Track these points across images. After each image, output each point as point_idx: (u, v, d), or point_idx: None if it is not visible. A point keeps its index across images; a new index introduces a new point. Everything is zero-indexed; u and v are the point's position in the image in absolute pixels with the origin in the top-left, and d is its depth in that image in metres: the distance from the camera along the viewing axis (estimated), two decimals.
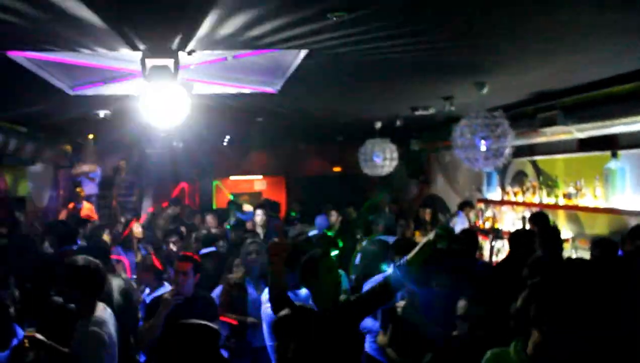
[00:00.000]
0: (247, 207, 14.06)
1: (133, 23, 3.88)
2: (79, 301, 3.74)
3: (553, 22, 4.09)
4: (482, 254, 8.95)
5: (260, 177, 17.69)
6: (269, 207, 12.14)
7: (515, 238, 5.95)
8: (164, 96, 5.05)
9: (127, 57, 5.03)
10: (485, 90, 6.50)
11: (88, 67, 5.37)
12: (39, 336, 3.57)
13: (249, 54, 4.90)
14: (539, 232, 6.52)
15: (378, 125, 10.55)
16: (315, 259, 3.88)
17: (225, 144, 14.22)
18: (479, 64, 5.66)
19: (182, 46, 4.38)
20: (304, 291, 4.57)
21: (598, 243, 5.62)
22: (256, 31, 4.01)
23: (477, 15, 3.93)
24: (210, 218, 8.33)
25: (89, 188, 12.01)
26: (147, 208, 13.64)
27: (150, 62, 4.51)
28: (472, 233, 6.62)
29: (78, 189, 11.13)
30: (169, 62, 4.51)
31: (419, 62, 5.41)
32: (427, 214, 10.87)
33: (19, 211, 9.13)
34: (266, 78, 6.20)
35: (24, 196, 9.64)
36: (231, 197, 14.91)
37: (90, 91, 6.29)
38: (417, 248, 3.56)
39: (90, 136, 11.31)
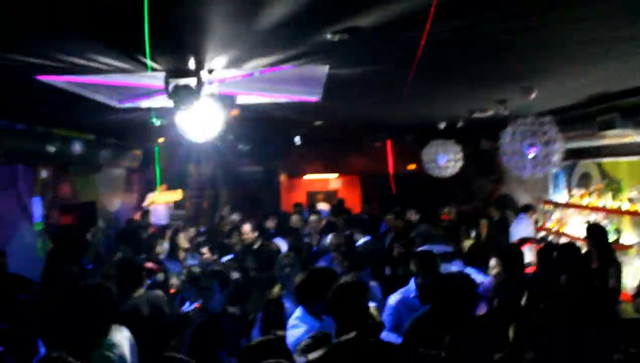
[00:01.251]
0: (322, 206, 14.15)
1: (146, 50, 3.99)
2: (92, 324, 3.83)
3: (603, 28, 3.92)
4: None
5: (336, 175, 17.71)
6: (339, 209, 12.09)
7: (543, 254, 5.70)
8: (193, 112, 5.19)
9: (159, 75, 5.16)
10: (533, 95, 6.24)
11: (124, 85, 5.54)
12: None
13: (272, 69, 4.90)
14: (594, 247, 6.25)
15: (442, 125, 10.34)
16: (343, 290, 3.76)
17: (298, 143, 14.24)
18: (528, 69, 5.45)
19: (200, 67, 4.45)
20: None
21: None
22: (262, 55, 4.04)
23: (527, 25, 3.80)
24: (246, 227, 8.07)
25: (159, 217, 11.84)
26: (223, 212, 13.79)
27: (173, 82, 4.60)
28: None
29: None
30: (191, 80, 4.58)
31: (463, 69, 5.29)
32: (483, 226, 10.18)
33: (92, 216, 9.51)
34: (304, 88, 6.18)
35: (93, 201, 10.03)
36: None
37: (136, 104, 6.49)
38: None
39: (161, 140, 11.66)
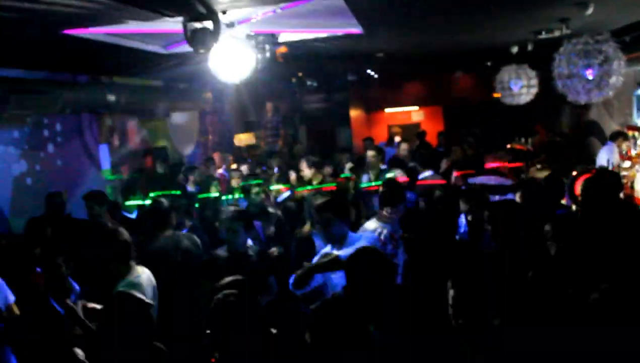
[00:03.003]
0: (398, 139, 13.95)
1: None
2: (110, 265, 3.99)
3: None
4: None
5: (417, 108, 17.32)
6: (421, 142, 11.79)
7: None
8: (223, 53, 5.20)
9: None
10: (589, 11, 5.76)
11: (164, 32, 5.58)
12: (91, 305, 3.82)
13: (291, 5, 4.77)
14: None
15: (514, 49, 9.81)
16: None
17: (374, 76, 13.90)
18: None
19: (212, 8, 4.41)
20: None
21: None
22: None
23: None
24: (303, 164, 7.98)
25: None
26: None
27: (191, 26, 4.58)
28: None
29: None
30: (208, 23, 4.55)
31: None
32: None
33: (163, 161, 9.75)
34: (341, 20, 5.99)
35: (164, 146, 10.29)
36: None
37: (181, 48, 6.55)
38: None
39: None
